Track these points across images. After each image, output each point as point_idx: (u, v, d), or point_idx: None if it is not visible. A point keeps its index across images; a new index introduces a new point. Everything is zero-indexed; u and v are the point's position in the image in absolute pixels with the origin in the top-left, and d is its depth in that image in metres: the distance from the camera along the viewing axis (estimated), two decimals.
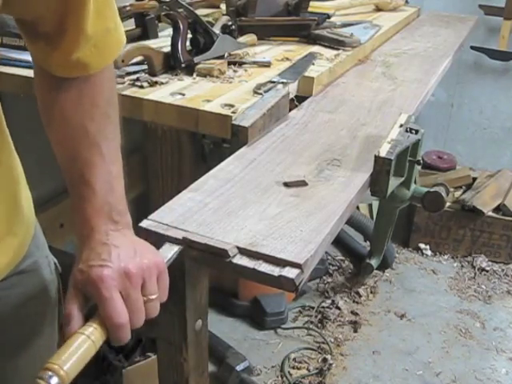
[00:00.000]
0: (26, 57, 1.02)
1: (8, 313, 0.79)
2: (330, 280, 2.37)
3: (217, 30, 1.47)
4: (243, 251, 0.76)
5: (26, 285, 0.82)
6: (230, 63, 1.36)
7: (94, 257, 0.65)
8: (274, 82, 1.25)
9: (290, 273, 0.72)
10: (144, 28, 1.50)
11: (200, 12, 1.71)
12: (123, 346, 1.66)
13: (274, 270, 0.73)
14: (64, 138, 0.71)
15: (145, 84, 1.18)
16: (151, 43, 1.40)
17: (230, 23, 1.46)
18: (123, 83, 1.18)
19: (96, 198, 0.68)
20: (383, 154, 0.96)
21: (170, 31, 1.32)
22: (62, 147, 0.72)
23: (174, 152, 1.60)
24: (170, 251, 0.76)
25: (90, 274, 0.64)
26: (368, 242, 2.50)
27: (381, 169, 0.96)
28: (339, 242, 2.55)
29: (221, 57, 1.37)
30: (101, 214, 0.68)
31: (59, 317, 0.89)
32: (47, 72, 0.71)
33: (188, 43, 1.33)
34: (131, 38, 1.44)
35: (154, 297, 0.67)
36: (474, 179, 2.73)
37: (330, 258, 2.49)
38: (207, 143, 1.76)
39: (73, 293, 0.65)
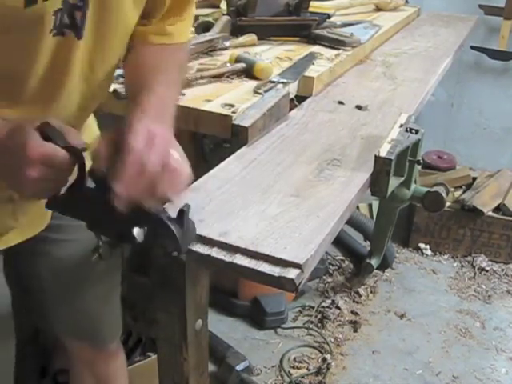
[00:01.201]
0: None
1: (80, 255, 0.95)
2: (330, 280, 2.37)
3: (217, 29, 1.47)
4: (243, 251, 0.76)
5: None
6: None
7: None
8: (274, 82, 1.25)
9: (290, 273, 0.72)
10: None
11: (200, 12, 1.71)
12: (123, 345, 1.66)
13: (274, 270, 0.73)
14: (136, 70, 0.88)
15: None
16: None
17: None
18: (123, 83, 1.18)
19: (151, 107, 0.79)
20: (383, 153, 0.96)
21: None
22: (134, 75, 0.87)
23: None
24: None
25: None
26: (368, 242, 2.50)
27: (381, 169, 0.96)
28: (339, 241, 2.55)
29: None
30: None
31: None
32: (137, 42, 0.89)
33: None
34: None
35: None
36: (474, 179, 2.73)
37: (329, 257, 2.49)
38: (207, 143, 1.76)
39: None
